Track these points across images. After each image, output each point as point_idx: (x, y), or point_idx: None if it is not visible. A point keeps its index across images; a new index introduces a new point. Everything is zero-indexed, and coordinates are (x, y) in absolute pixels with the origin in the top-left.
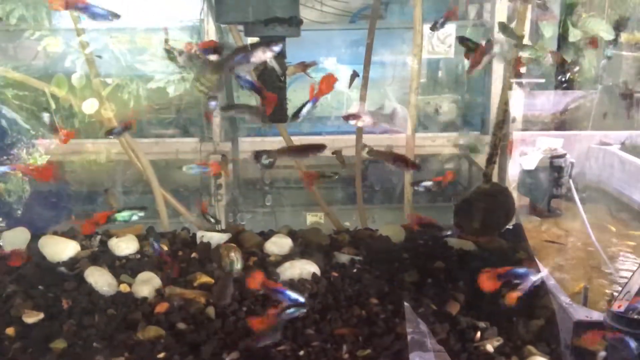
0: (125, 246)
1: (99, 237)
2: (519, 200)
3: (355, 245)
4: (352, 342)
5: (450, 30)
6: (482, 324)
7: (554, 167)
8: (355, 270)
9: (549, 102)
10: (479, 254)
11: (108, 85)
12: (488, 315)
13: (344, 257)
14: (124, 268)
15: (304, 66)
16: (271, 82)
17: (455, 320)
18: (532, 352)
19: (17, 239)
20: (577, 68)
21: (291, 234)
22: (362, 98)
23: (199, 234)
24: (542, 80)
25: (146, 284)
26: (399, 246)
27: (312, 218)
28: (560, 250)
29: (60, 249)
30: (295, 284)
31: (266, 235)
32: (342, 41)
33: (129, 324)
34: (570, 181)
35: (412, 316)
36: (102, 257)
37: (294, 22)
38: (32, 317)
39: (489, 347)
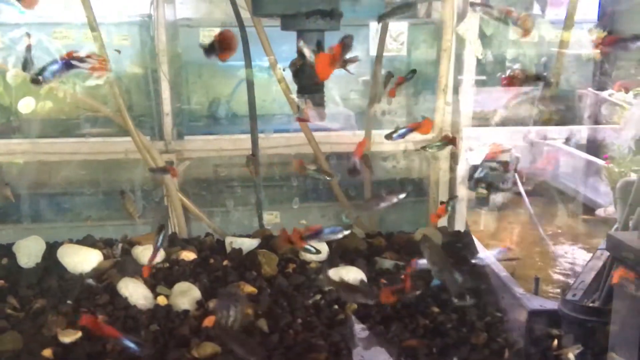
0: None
1: (120, 246)
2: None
3: (395, 250)
4: (425, 354)
5: (402, 28)
6: (555, 331)
7: (500, 162)
8: (402, 277)
9: (492, 98)
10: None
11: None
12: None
13: (387, 263)
14: (155, 278)
15: (343, 62)
16: (309, 79)
17: (527, 328)
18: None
19: (31, 248)
20: (517, 65)
21: None
22: (373, 98)
23: (228, 239)
24: (484, 78)
25: (185, 296)
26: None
27: (268, 217)
28: (507, 241)
29: (83, 258)
30: None
31: None
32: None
33: (178, 340)
34: (516, 175)
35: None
36: (129, 267)
37: (336, 15)
38: (69, 336)
39: (570, 356)
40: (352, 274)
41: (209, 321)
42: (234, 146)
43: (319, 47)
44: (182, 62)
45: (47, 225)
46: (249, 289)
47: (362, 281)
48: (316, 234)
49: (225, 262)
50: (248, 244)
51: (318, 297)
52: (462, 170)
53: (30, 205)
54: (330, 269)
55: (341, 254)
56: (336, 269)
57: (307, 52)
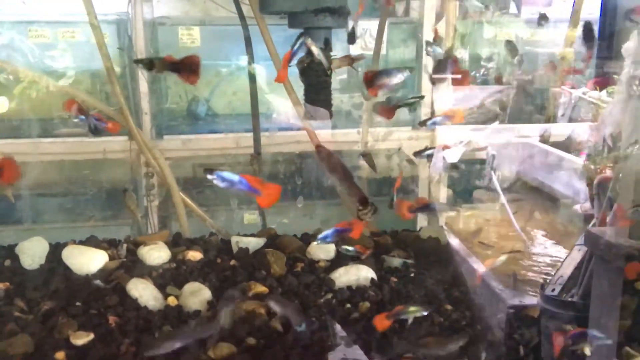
0: (157, 254)
1: (125, 246)
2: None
3: (402, 248)
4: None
5: None
6: (568, 327)
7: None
8: (412, 275)
9: (467, 96)
10: None
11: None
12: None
13: (395, 261)
14: (163, 278)
15: (350, 60)
16: (316, 77)
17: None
18: (631, 354)
19: (35, 249)
20: (491, 64)
21: None
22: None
23: (234, 239)
24: (459, 76)
25: (195, 296)
26: (447, 248)
27: (249, 217)
28: (484, 238)
29: (88, 259)
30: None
31: (305, 239)
32: (275, 37)
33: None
34: (492, 173)
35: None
36: (136, 267)
37: (343, 13)
38: (81, 339)
39: (586, 350)
40: (363, 273)
41: None
42: (214, 145)
43: (326, 45)
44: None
45: (22, 228)
46: (260, 288)
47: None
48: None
49: (232, 262)
50: (254, 243)
51: (329, 296)
52: (438, 168)
53: (6, 207)
54: (340, 267)
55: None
56: (346, 268)
57: (315, 50)
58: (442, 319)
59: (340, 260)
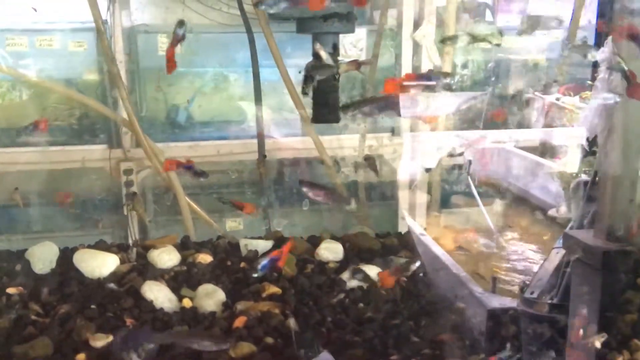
0: (168, 258)
1: (135, 250)
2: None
3: (409, 249)
4: (459, 347)
5: (361, 35)
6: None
7: (453, 165)
8: (421, 275)
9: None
10: None
11: None
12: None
13: (402, 262)
14: (175, 281)
15: (357, 64)
16: (324, 81)
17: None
18: (639, 347)
19: (45, 253)
20: (465, 70)
21: (335, 238)
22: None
23: (242, 242)
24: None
25: (210, 298)
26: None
27: (231, 224)
28: (462, 242)
29: (100, 263)
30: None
31: (313, 241)
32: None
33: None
34: (469, 178)
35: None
36: (147, 270)
37: (351, 18)
38: (100, 341)
39: (597, 344)
40: (372, 273)
41: (239, 322)
42: (194, 153)
43: (334, 49)
44: (139, 68)
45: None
46: (273, 289)
47: None
48: None
49: (242, 264)
50: (263, 245)
51: (342, 295)
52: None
53: None
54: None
55: (357, 254)
56: (356, 268)
57: (324, 55)
58: (454, 316)
59: (349, 261)
